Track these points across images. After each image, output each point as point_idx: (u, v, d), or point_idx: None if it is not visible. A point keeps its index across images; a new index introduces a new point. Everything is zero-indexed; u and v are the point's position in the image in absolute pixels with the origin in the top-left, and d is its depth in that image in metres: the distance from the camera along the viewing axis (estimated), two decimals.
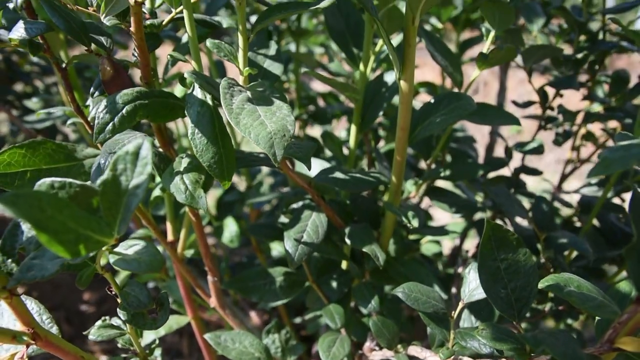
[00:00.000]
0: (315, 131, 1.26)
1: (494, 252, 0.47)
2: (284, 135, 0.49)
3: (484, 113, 0.71)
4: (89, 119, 0.62)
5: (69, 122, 0.66)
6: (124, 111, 0.53)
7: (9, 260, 0.44)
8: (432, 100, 0.62)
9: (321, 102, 1.24)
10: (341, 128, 1.31)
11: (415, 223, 0.60)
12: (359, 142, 0.78)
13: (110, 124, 0.52)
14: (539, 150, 0.79)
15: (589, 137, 1.04)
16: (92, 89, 0.59)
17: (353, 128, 0.75)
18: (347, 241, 0.64)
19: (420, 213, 0.70)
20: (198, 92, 0.55)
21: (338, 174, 0.65)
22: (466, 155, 0.88)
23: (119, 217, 0.41)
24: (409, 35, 0.53)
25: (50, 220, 0.33)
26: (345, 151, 0.84)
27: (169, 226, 0.75)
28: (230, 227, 0.94)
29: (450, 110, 0.59)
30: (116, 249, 0.45)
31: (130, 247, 0.45)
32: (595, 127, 1.14)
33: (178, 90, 0.89)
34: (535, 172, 0.88)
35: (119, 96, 0.53)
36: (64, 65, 0.61)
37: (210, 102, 0.55)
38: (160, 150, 0.63)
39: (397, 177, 0.63)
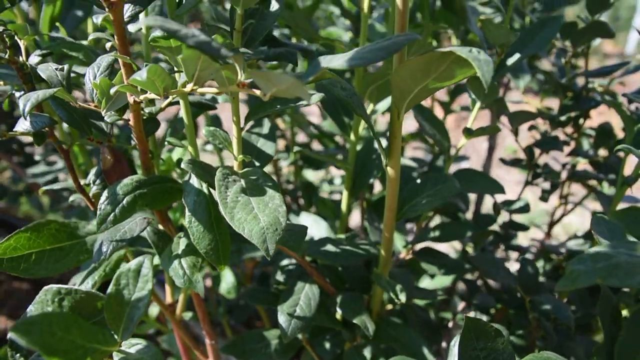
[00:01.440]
0: (310, 174, 1.28)
1: (474, 343, 0.50)
2: (276, 230, 0.51)
3: (472, 180, 0.73)
4: (90, 193, 0.65)
5: (71, 197, 0.69)
6: (124, 202, 0.56)
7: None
8: (419, 181, 0.65)
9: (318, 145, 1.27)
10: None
11: (402, 298, 0.63)
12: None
13: (112, 215, 0.55)
14: (525, 209, 0.82)
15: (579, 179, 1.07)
16: (93, 177, 0.62)
17: (345, 193, 0.77)
18: (339, 310, 0.67)
19: (410, 278, 0.73)
20: (194, 181, 0.58)
21: (329, 247, 0.68)
22: (456, 208, 0.90)
23: (122, 326, 0.44)
24: (394, 128, 0.56)
25: (60, 342, 0.36)
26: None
27: (167, 289, 0.78)
28: (228, 278, 0.97)
29: (435, 192, 0.62)
30: (120, 348, 0.48)
31: (133, 346, 0.48)
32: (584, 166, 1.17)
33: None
34: (522, 227, 0.91)
35: (119, 187, 0.56)
36: (65, 147, 0.64)
37: (206, 190, 0.58)
38: (160, 227, 0.66)
39: (385, 251, 0.66)
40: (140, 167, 0.61)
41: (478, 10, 1.01)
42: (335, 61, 0.41)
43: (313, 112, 2.55)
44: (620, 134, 0.97)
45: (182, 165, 0.57)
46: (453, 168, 0.80)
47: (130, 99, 0.53)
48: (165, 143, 0.65)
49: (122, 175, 0.59)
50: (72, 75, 0.66)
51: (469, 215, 1.10)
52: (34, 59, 0.65)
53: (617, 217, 0.71)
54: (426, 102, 1.06)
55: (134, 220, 0.59)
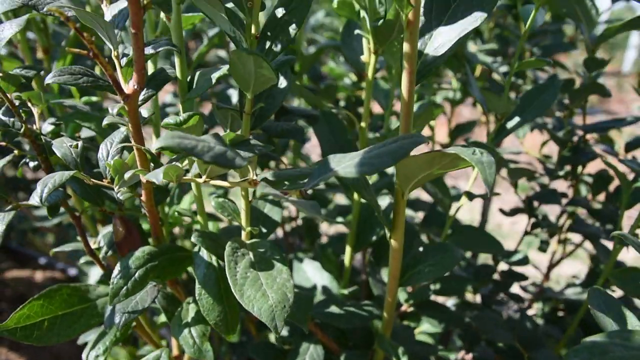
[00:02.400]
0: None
1: None
2: (284, 307, 0.53)
3: (473, 239, 0.75)
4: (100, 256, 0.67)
5: (81, 259, 0.70)
6: (136, 276, 0.57)
7: None
8: (421, 249, 0.67)
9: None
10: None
11: None
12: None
13: (124, 289, 0.57)
14: (523, 261, 0.84)
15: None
16: (105, 247, 0.63)
17: (348, 248, 0.79)
18: None
19: (412, 334, 0.74)
20: (204, 253, 0.60)
21: (333, 308, 0.69)
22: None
23: None
24: (398, 205, 0.58)
25: None
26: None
27: (174, 342, 0.80)
28: None
29: (437, 262, 0.64)
30: None
31: None
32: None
33: None
34: (521, 277, 0.93)
35: (131, 261, 0.58)
36: (77, 214, 0.65)
37: (215, 263, 0.59)
38: (168, 290, 0.68)
39: (388, 314, 0.67)
40: (151, 235, 0.63)
41: (478, 58, 1.03)
42: (345, 168, 0.42)
43: (314, 147, 2.54)
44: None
45: (192, 239, 0.59)
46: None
47: (143, 179, 0.55)
48: (175, 213, 0.66)
49: (134, 246, 0.61)
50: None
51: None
52: (47, 127, 0.67)
53: (615, 277, 0.72)
54: (427, 146, 1.08)
55: (145, 290, 0.61)
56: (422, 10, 0.50)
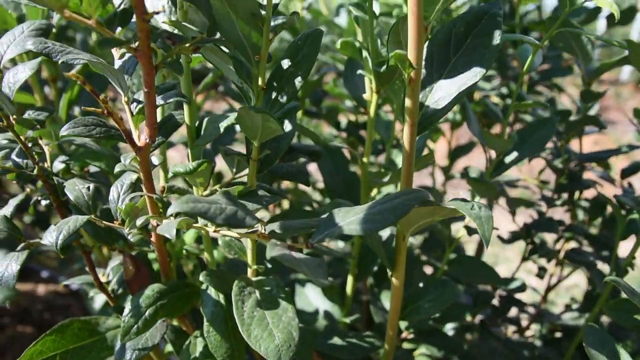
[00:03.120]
0: None
1: None
2: (290, 346, 0.55)
3: (471, 269, 0.77)
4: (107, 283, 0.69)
5: (91, 293, 0.72)
6: (146, 314, 0.59)
7: None
8: (421, 285, 0.69)
9: None
10: None
11: None
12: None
13: (135, 327, 0.59)
14: (521, 289, 0.86)
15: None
16: (115, 284, 0.65)
17: (350, 279, 0.81)
18: None
19: None
20: (212, 291, 0.62)
21: (336, 340, 0.71)
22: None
23: None
24: (399, 247, 0.60)
25: None
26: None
27: None
28: None
29: (437, 297, 0.66)
30: None
31: None
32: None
33: None
34: (519, 303, 0.95)
35: (141, 300, 0.60)
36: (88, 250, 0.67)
37: (223, 301, 0.61)
38: (175, 323, 0.70)
39: (389, 345, 0.69)
40: (160, 272, 0.65)
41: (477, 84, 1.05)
42: (349, 225, 0.44)
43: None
44: None
45: (200, 278, 0.61)
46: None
47: (154, 222, 0.57)
48: (184, 251, 0.68)
49: (144, 283, 0.63)
50: None
51: None
52: (57, 165, 0.69)
53: (610, 309, 0.74)
54: (427, 169, 1.10)
55: (155, 326, 0.63)
56: (423, 62, 0.52)
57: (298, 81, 0.53)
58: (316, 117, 1.10)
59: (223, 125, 0.54)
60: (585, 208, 0.99)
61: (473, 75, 0.50)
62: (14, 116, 0.62)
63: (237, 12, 0.49)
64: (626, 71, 5.05)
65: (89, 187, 0.61)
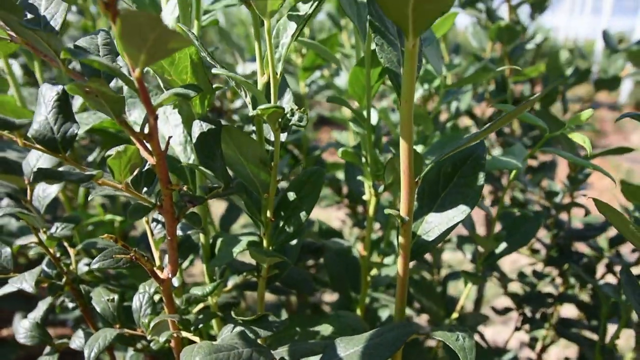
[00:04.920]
0: None
1: None
2: None
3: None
4: None
5: None
6: None
7: None
8: None
9: None
10: None
11: None
12: None
13: None
14: None
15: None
16: None
17: None
18: None
19: None
20: None
21: None
22: None
23: None
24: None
25: None
26: None
27: None
28: None
29: None
30: None
31: None
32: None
33: None
34: None
35: None
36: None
37: None
38: None
39: None
40: None
41: None
42: (350, 358, 0.50)
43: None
44: None
45: None
46: None
47: (173, 328, 0.63)
48: None
49: None
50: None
51: None
52: (82, 267, 0.75)
53: None
54: None
55: None
56: (416, 195, 0.58)
57: (303, 215, 0.59)
58: None
59: (236, 251, 0.60)
60: (577, 275, 1.05)
61: (460, 212, 0.56)
62: (44, 229, 0.69)
63: (247, 159, 0.55)
64: (624, 93, 5.11)
65: (113, 299, 0.67)
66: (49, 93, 0.49)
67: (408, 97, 0.47)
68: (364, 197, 0.78)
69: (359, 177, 0.75)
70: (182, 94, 0.43)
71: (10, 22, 0.42)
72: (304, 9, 0.51)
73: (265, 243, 0.60)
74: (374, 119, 0.77)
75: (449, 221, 0.57)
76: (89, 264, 0.74)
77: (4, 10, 0.41)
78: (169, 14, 0.57)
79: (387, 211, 0.51)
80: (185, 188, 0.48)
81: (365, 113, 0.71)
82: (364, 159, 0.75)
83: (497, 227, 0.82)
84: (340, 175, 1.33)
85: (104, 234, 0.53)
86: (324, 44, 1.01)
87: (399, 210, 0.53)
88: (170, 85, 0.53)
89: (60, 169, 0.48)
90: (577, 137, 0.60)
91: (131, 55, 0.34)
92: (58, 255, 0.69)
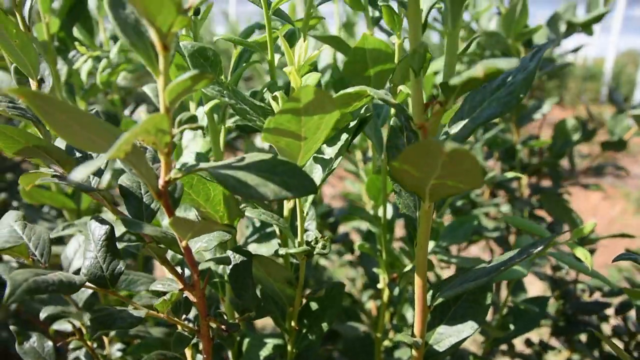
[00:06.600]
0: None
1: None
2: None
3: None
4: None
5: None
6: None
7: None
8: None
9: None
10: None
11: None
12: None
13: None
14: None
15: None
16: None
17: None
18: None
19: None
20: None
21: None
22: None
23: None
24: None
25: None
26: None
27: None
28: None
29: None
30: None
31: None
32: None
33: None
34: None
35: None
36: None
37: None
38: None
39: None
40: None
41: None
42: None
43: None
44: None
45: None
46: None
47: None
48: None
49: None
50: None
51: None
52: (115, 352, 0.80)
53: None
54: None
55: None
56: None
57: (324, 325, 0.64)
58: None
59: (263, 355, 0.65)
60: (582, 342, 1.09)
61: (469, 327, 0.61)
62: (83, 323, 0.74)
63: (275, 279, 0.61)
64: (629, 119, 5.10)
65: None
66: (97, 231, 0.55)
67: (423, 243, 0.52)
68: (378, 286, 0.82)
69: (375, 269, 0.80)
70: (223, 239, 0.49)
71: None
72: (329, 152, 0.56)
73: (289, 347, 0.65)
74: (389, 213, 0.82)
75: (458, 334, 0.61)
76: (121, 350, 0.80)
77: None
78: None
79: (399, 338, 0.56)
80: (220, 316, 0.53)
81: (380, 212, 0.76)
82: (378, 253, 0.80)
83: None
84: (355, 223, 1.38)
85: None
86: None
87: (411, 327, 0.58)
88: (205, 216, 0.59)
89: (111, 313, 0.53)
90: (579, 252, 0.64)
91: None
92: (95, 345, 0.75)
